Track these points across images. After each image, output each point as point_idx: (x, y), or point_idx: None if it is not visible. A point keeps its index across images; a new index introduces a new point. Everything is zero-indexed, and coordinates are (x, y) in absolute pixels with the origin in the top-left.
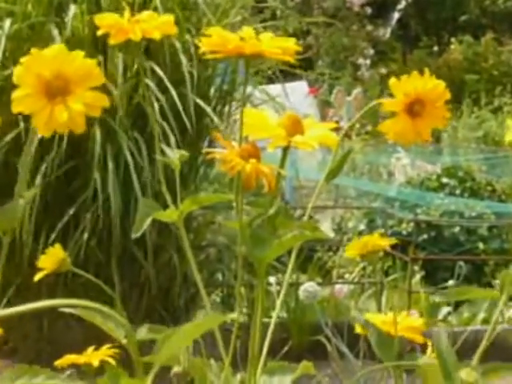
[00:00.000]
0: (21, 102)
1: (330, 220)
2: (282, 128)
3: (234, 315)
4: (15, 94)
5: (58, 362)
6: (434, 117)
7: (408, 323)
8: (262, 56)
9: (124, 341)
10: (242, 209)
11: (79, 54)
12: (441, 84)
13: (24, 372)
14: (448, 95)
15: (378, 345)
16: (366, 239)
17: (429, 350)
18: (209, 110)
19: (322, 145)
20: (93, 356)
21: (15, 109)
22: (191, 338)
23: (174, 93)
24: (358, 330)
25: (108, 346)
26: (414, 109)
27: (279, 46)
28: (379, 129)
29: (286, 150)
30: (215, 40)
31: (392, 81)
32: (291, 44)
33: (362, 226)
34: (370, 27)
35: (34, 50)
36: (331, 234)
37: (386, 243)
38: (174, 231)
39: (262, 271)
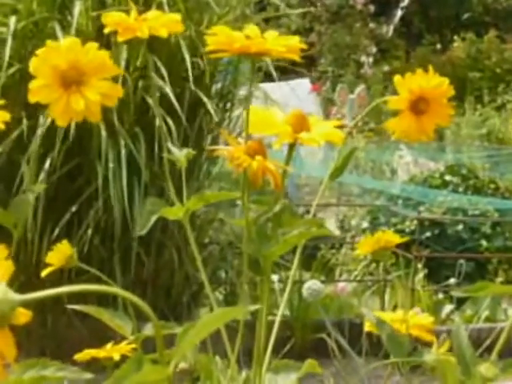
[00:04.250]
0: (38, 92)
1: (333, 217)
2: (287, 125)
3: (255, 307)
4: (32, 85)
5: (77, 356)
6: (438, 114)
7: (416, 321)
8: (268, 54)
9: (131, 337)
10: (248, 206)
11: (93, 45)
12: (444, 81)
13: (33, 365)
14: (452, 92)
15: (389, 342)
16: (379, 236)
17: (434, 347)
18: (210, 106)
19: (328, 142)
20: (113, 350)
21: (32, 99)
22: (210, 330)
23: (170, 88)
24: (367, 327)
25: (126, 341)
26: (419, 106)
27: (284, 45)
28: (385, 127)
29: (291, 146)
30: (221, 39)
31: (396, 78)
32: (296, 42)
33: (365, 224)
34: (372, 25)
35: (49, 42)
36: (336, 232)
37: (398, 240)
38: (177, 229)
39: (268, 268)
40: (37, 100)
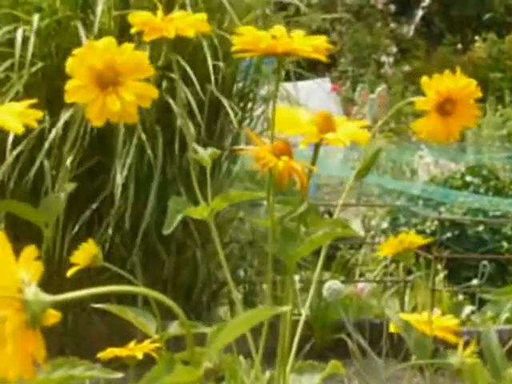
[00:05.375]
0: (74, 92)
1: (352, 217)
2: (313, 125)
3: (286, 308)
4: (68, 85)
5: (100, 355)
6: (464, 115)
7: (440, 323)
8: (294, 54)
9: (155, 336)
10: (273, 206)
11: (129, 46)
12: (472, 82)
13: (61, 364)
14: (479, 94)
15: (412, 343)
16: (402, 237)
17: (459, 348)
18: (232, 105)
19: (353, 142)
20: (136, 349)
21: (69, 99)
22: (242, 330)
23: (198, 88)
24: (391, 328)
25: (149, 340)
26: (445, 107)
27: (310, 44)
28: (408, 127)
29: (317, 146)
30: (247, 39)
31: (423, 79)
32: (322, 42)
33: (385, 224)
34: (393, 25)
35: (86, 42)
36: (361, 232)
37: (421, 242)
38: (197, 228)
39: (292, 268)
40: (73, 100)
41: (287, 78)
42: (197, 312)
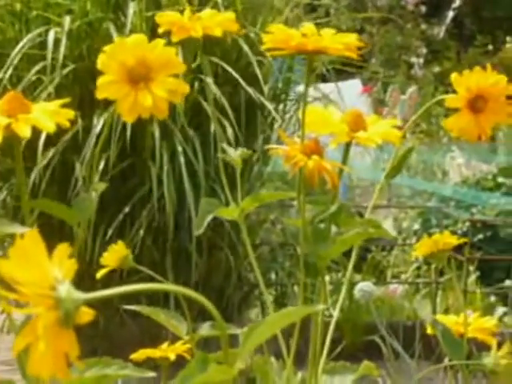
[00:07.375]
0: (106, 88)
1: (382, 219)
2: (344, 124)
3: (319, 307)
4: (100, 81)
5: (133, 356)
6: (496, 112)
7: (479, 324)
8: (325, 52)
9: (186, 337)
10: (304, 206)
11: (160, 42)
12: (502, 79)
13: (95, 363)
14: (510, 91)
15: (446, 345)
16: (436, 238)
17: (493, 350)
18: (269, 106)
19: (385, 141)
20: (168, 350)
21: (100, 95)
22: (274, 330)
23: (231, 89)
24: (428, 330)
25: (182, 341)
26: (477, 104)
27: (341, 42)
28: (444, 125)
29: (348, 146)
30: (278, 36)
31: (454, 76)
32: (353, 39)
33: (416, 226)
34: (424, 26)
35: (117, 39)
36: (393, 233)
37: (455, 242)
38: (228, 229)
39: (324, 269)
40: (105, 96)
41: (318, 79)
42: (228, 314)
